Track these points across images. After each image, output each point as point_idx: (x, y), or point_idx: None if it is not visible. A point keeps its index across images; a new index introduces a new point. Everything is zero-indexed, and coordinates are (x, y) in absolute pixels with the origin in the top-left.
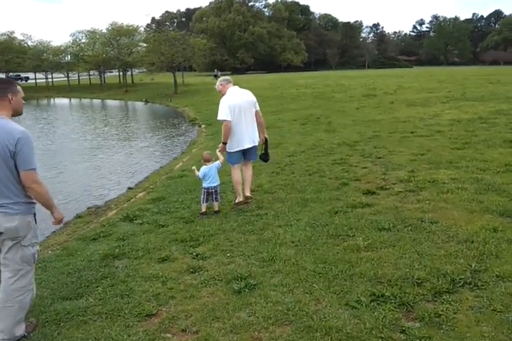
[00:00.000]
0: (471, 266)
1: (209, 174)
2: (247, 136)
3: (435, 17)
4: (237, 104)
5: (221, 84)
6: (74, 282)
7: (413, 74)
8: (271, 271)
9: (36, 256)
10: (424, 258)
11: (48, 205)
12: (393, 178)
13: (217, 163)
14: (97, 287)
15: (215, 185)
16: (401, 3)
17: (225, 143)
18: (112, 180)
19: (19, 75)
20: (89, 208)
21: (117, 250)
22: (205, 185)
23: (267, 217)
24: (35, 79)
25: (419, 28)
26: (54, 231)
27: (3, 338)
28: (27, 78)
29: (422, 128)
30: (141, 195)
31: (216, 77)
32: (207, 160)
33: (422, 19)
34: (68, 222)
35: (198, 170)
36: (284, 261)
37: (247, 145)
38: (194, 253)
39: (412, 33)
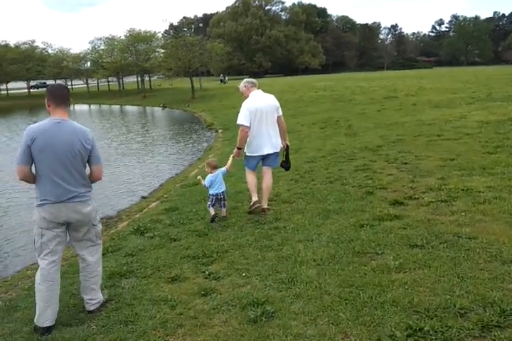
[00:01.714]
0: None
1: (216, 181)
2: (268, 142)
3: (455, 17)
4: (259, 108)
5: (245, 86)
6: (77, 305)
7: (434, 74)
8: (291, 295)
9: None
10: (466, 282)
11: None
12: (422, 186)
13: (223, 169)
14: (101, 311)
15: (222, 190)
16: (419, 3)
17: (239, 149)
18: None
19: (45, 83)
20: (101, 219)
21: (125, 267)
22: (212, 191)
23: (286, 230)
24: None
25: (438, 28)
26: None
27: (93, 303)
28: None
29: (448, 130)
30: (153, 204)
31: (222, 82)
32: (214, 167)
33: (441, 19)
34: None
35: (204, 178)
36: (306, 284)
37: (266, 151)
38: (206, 272)
39: (431, 34)
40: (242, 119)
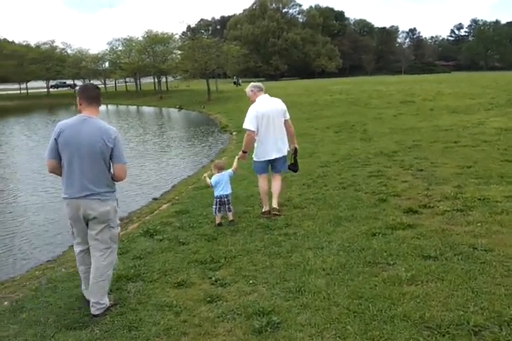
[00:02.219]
0: None
1: (221, 182)
2: (275, 146)
3: (474, 21)
4: (265, 112)
5: (251, 91)
6: (81, 308)
7: (452, 79)
8: (298, 305)
9: (119, 235)
10: (481, 298)
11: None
12: (437, 194)
13: (230, 170)
14: (105, 315)
15: (226, 193)
16: (438, 7)
17: (244, 152)
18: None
19: (64, 82)
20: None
21: (132, 271)
22: (216, 193)
23: (296, 237)
24: (72, 85)
25: (457, 32)
26: (72, 245)
27: (98, 308)
28: (75, 85)
29: (466, 137)
30: (165, 206)
31: (236, 84)
32: (220, 169)
33: (460, 23)
34: None
35: (210, 178)
36: (314, 294)
37: (274, 156)
38: (213, 278)
39: (450, 38)
40: (248, 124)
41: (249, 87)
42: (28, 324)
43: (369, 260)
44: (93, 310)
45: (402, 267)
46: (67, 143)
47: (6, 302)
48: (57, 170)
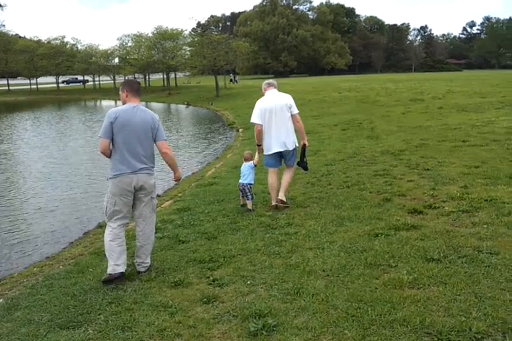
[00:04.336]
0: None
1: (243, 171)
2: (276, 140)
3: (487, 18)
4: (268, 107)
5: (263, 87)
6: (77, 306)
7: (463, 77)
8: (295, 307)
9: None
10: (484, 303)
11: (174, 166)
12: (443, 195)
13: (250, 162)
14: (100, 314)
15: (245, 182)
16: (450, 4)
17: (258, 145)
18: None
19: (76, 78)
20: None
21: (130, 269)
22: (240, 181)
23: (297, 236)
24: (84, 81)
25: (469, 30)
26: (72, 242)
27: (143, 266)
28: (86, 81)
29: (475, 136)
30: (167, 203)
31: (232, 81)
32: (246, 159)
33: (472, 21)
34: (89, 231)
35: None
36: (312, 296)
37: (275, 150)
38: (211, 278)
39: (461, 36)
40: (253, 118)
41: (262, 84)
42: (22, 322)
43: (370, 262)
44: (139, 268)
45: (403, 269)
46: (124, 125)
47: (1, 300)
48: (107, 150)
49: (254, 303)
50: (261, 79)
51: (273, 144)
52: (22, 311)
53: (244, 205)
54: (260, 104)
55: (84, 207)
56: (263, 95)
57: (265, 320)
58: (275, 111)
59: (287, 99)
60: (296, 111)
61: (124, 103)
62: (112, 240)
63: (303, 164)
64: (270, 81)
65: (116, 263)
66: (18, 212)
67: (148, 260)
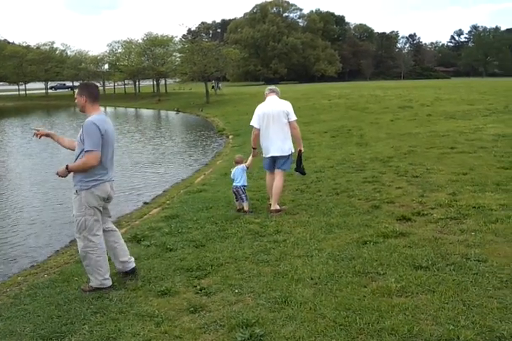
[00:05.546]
0: None
1: (235, 174)
2: (272, 145)
3: (474, 27)
4: (266, 112)
5: (266, 93)
6: (61, 316)
7: (451, 85)
8: (283, 317)
9: None
10: (472, 311)
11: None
12: (432, 202)
13: (243, 165)
14: (84, 325)
15: (238, 185)
16: (438, 13)
17: (253, 148)
18: None
19: (64, 84)
20: None
21: (115, 277)
22: (233, 184)
23: (286, 244)
24: (72, 87)
25: (457, 38)
26: (57, 250)
27: (132, 261)
28: (75, 87)
29: (462, 143)
30: (155, 211)
31: (214, 88)
32: (238, 163)
33: (460, 29)
34: (75, 239)
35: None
36: (300, 305)
37: (272, 154)
38: (198, 287)
39: (449, 44)
40: (252, 121)
41: (266, 89)
42: (3, 334)
43: (358, 269)
44: (130, 265)
45: (392, 277)
46: (110, 137)
47: None
48: (99, 162)
49: (241, 312)
50: (251, 86)
51: (271, 148)
52: (4, 322)
53: (240, 210)
54: (260, 109)
55: (72, 214)
56: (265, 99)
57: (252, 330)
58: (273, 116)
59: (285, 106)
60: (293, 118)
61: (82, 108)
62: (99, 256)
63: (300, 169)
64: (273, 87)
65: (104, 278)
66: (3, 221)
67: (130, 256)
